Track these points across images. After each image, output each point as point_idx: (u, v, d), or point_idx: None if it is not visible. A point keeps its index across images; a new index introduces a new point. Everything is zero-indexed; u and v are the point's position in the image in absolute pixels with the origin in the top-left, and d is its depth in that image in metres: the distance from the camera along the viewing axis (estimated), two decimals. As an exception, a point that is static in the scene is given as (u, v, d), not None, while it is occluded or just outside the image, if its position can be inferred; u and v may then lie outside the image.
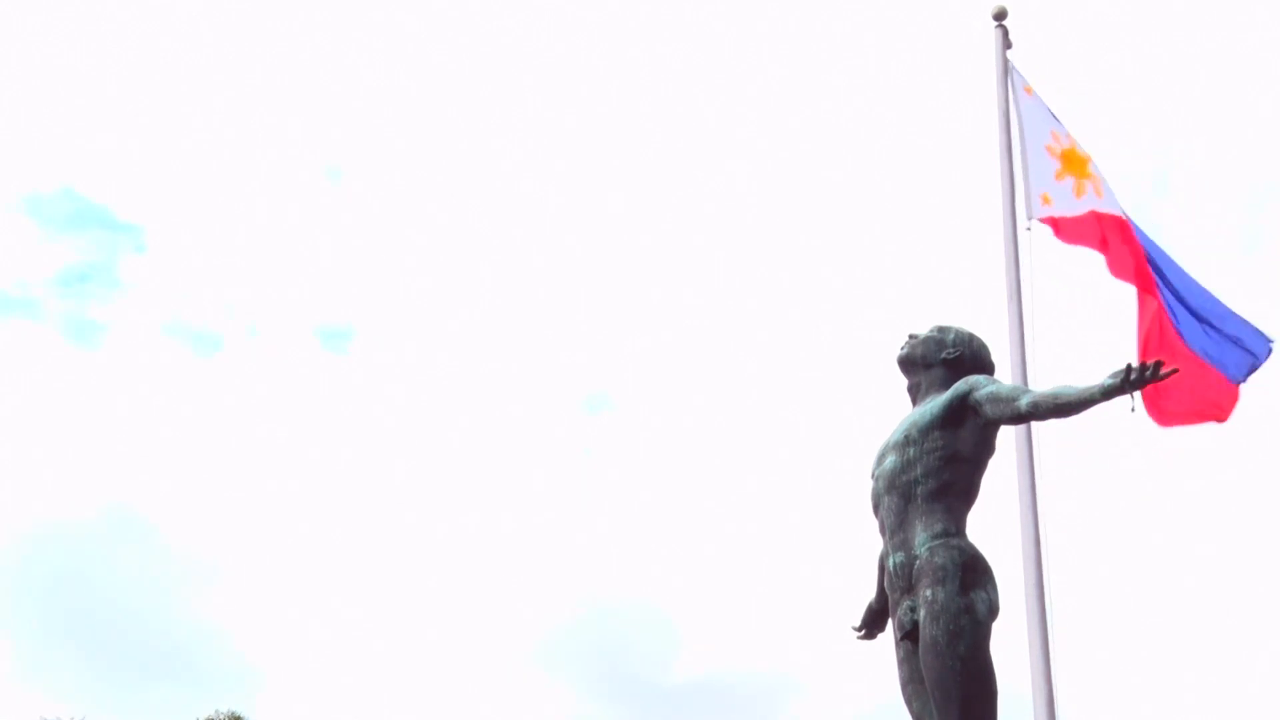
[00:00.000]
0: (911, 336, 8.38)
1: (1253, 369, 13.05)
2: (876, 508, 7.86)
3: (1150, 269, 13.06)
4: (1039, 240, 13.15)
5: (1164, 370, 6.82)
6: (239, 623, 53.04)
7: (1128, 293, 13.18)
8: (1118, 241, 13.10)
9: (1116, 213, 13.16)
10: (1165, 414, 12.80)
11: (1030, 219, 13.12)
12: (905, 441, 7.77)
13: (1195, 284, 13.30)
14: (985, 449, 7.76)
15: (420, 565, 58.49)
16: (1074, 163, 13.46)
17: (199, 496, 55.89)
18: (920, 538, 7.48)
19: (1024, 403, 7.43)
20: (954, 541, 7.43)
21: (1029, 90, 13.80)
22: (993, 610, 7.36)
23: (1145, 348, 12.70)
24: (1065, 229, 13.13)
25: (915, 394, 8.21)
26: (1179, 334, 12.96)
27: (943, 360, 8.15)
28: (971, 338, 8.30)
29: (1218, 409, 12.95)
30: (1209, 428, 13.01)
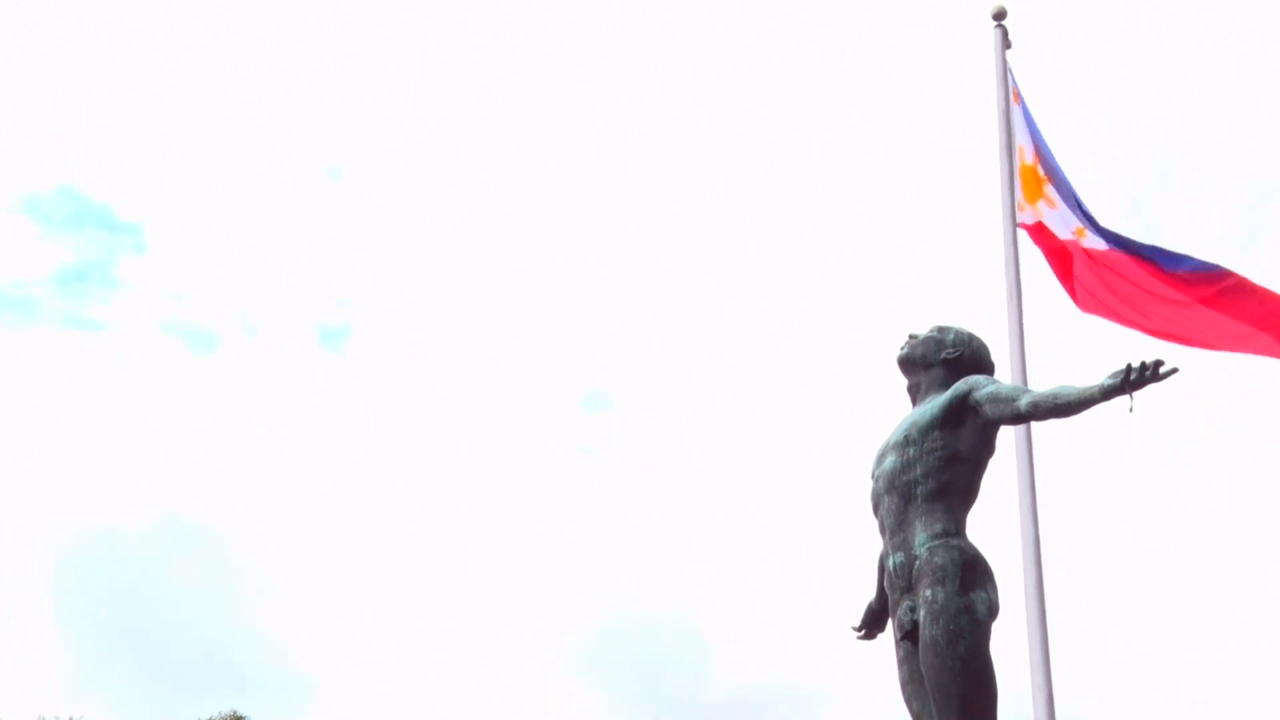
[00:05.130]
0: (911, 336, 8.39)
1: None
2: (876, 508, 7.86)
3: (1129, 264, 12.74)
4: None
5: (1164, 370, 6.82)
6: (288, 631, 52.96)
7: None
8: (1083, 270, 12.91)
9: (1067, 237, 12.98)
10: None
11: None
12: (905, 441, 7.77)
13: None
14: (985, 449, 7.76)
15: (428, 567, 58.50)
16: (1031, 182, 13.37)
17: (202, 498, 55.88)
18: (920, 538, 7.48)
19: (1024, 403, 7.43)
20: (954, 542, 7.43)
21: (1016, 97, 13.81)
22: (992, 610, 7.36)
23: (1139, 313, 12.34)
24: (1039, 240, 13.09)
25: (915, 394, 8.22)
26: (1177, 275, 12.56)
27: (942, 360, 8.16)
28: (971, 338, 8.30)
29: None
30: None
